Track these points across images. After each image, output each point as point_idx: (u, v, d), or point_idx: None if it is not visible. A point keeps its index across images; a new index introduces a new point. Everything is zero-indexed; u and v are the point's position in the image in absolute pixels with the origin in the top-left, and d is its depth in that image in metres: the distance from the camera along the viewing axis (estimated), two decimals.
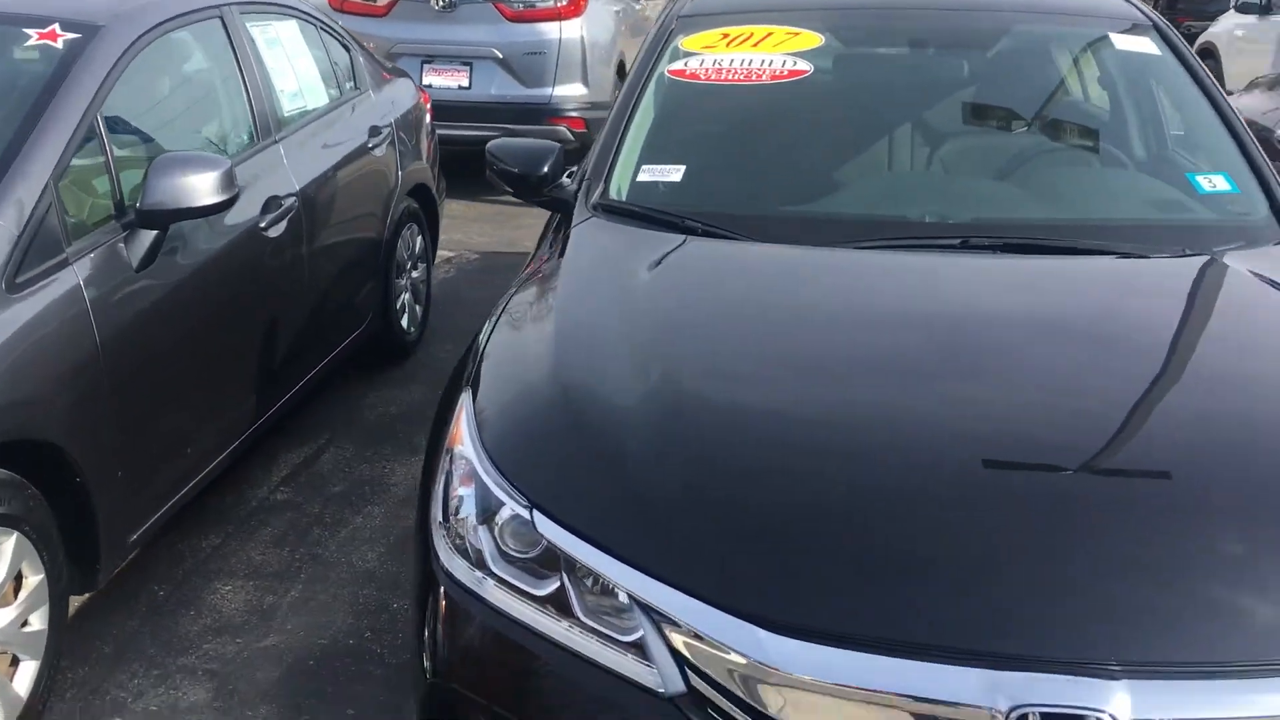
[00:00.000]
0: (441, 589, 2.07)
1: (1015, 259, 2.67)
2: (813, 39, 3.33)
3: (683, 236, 2.81)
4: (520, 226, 7.95)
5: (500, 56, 8.28)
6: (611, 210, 3.00)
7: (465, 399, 2.30)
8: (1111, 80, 3.37)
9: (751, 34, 3.37)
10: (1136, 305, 2.56)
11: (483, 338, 2.57)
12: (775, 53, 3.30)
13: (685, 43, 3.42)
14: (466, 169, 7.90)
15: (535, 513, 1.99)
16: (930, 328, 2.40)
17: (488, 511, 2.07)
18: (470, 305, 6.16)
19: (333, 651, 3.23)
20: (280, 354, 4.02)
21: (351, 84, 4.99)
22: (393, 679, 3.10)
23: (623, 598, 1.90)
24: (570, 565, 1.95)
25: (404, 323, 5.29)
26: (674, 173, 3.07)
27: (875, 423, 2.13)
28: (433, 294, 5.83)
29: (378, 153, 4.88)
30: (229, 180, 3.23)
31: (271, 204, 3.87)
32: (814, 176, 3.07)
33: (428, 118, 5.73)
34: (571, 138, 8.53)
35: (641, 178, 3.09)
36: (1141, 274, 2.68)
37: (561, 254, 2.84)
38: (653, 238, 2.83)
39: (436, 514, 2.17)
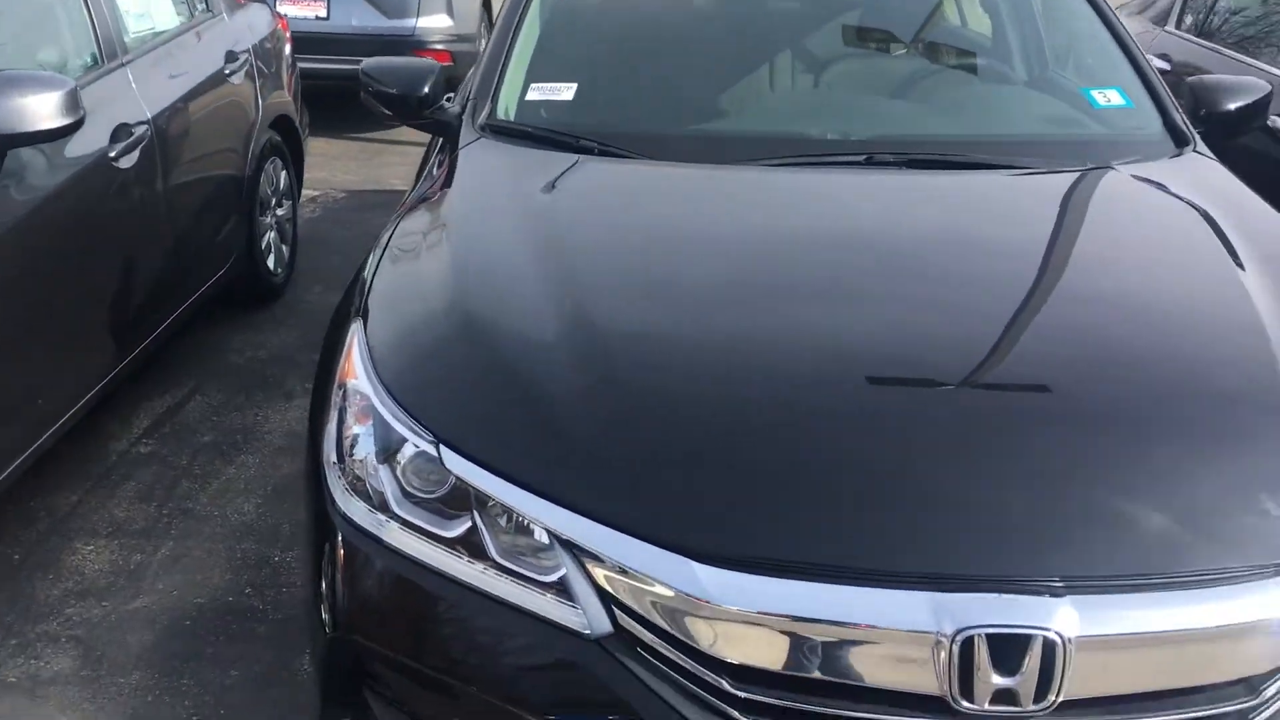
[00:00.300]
0: (339, 535, 1.90)
1: (919, 175, 2.59)
2: None
3: (578, 156, 2.65)
4: (387, 164, 7.65)
5: None
6: (500, 131, 2.82)
7: (356, 330, 2.12)
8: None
9: None
10: (1036, 219, 2.51)
11: (370, 267, 2.38)
12: None
13: None
14: (326, 104, 7.56)
15: (442, 448, 1.83)
16: (844, 247, 2.31)
17: (388, 449, 1.90)
18: (339, 246, 5.89)
19: (211, 611, 3.02)
20: (137, 297, 3.73)
21: (203, 6, 4.64)
22: (279, 636, 2.91)
23: (541, 535, 1.76)
24: (482, 503, 1.80)
25: (270, 263, 5.01)
26: (565, 91, 2.90)
27: (794, 344, 2.01)
28: (299, 235, 5.54)
29: (235, 80, 4.56)
30: (73, 102, 2.94)
31: (121, 132, 3.56)
32: (711, 93, 2.94)
33: (287, 47, 5.40)
34: None
35: (530, 96, 2.91)
36: (1042, 189, 2.63)
37: (449, 178, 2.66)
38: (547, 158, 2.66)
39: (330, 454, 1.99)
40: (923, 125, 2.86)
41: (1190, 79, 3.13)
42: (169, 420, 4.00)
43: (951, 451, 1.77)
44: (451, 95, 3.24)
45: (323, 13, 7.94)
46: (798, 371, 1.93)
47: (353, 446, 1.97)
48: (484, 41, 8.96)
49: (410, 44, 8.10)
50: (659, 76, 3.00)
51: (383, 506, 1.87)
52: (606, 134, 2.73)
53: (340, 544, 1.90)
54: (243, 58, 4.65)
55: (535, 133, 2.77)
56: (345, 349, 2.11)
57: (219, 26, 4.66)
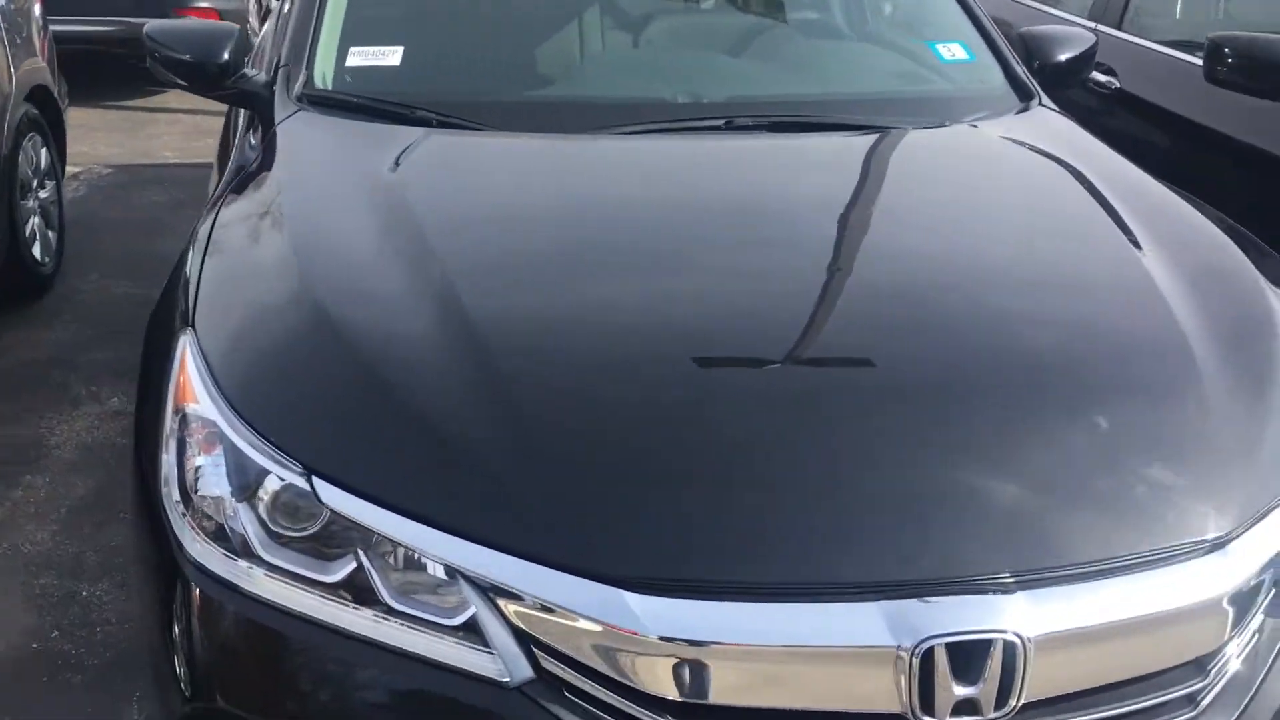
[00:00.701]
0: (194, 587, 1.62)
1: (783, 139, 2.46)
2: None
3: (417, 130, 2.40)
4: (154, 134, 7.05)
5: None
6: (320, 102, 2.52)
7: (187, 343, 1.81)
8: None
9: None
10: (911, 180, 2.42)
11: (191, 265, 2.07)
12: None
13: None
14: (81, 70, 6.89)
15: (315, 480, 1.58)
16: (729, 222, 2.14)
17: (246, 484, 1.62)
18: (112, 228, 5.37)
19: (13, 660, 2.64)
20: None
21: None
22: (101, 684, 2.57)
23: (437, 571, 1.54)
24: (367, 540, 1.56)
25: (36, 252, 4.49)
26: (390, 55, 2.62)
27: (696, 331, 1.84)
28: (65, 218, 5.00)
29: None
30: None
31: None
32: (549, 56, 2.71)
33: (37, 7, 4.83)
34: None
35: (351, 62, 2.62)
36: (909, 148, 2.54)
37: (269, 158, 2.35)
38: (381, 132, 2.39)
39: (170, 492, 1.70)
40: (777, 85, 2.73)
41: (1021, 30, 3.10)
42: None
43: (873, 444, 1.64)
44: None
45: None
46: (706, 362, 1.76)
47: (198, 481, 1.68)
48: (252, 1, 8.39)
49: (170, 1, 7.48)
50: (492, 36, 2.76)
51: (245, 551, 1.61)
52: (445, 104, 2.47)
53: (196, 597, 1.62)
54: None
55: (362, 103, 2.49)
56: (176, 367, 1.80)
57: None
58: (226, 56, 2.65)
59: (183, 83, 2.75)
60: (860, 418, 1.68)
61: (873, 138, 2.51)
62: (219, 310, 1.88)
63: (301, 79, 2.57)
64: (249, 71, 2.72)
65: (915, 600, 1.49)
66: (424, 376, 1.68)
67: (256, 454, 1.62)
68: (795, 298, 1.90)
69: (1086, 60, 3.04)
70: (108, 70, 7.74)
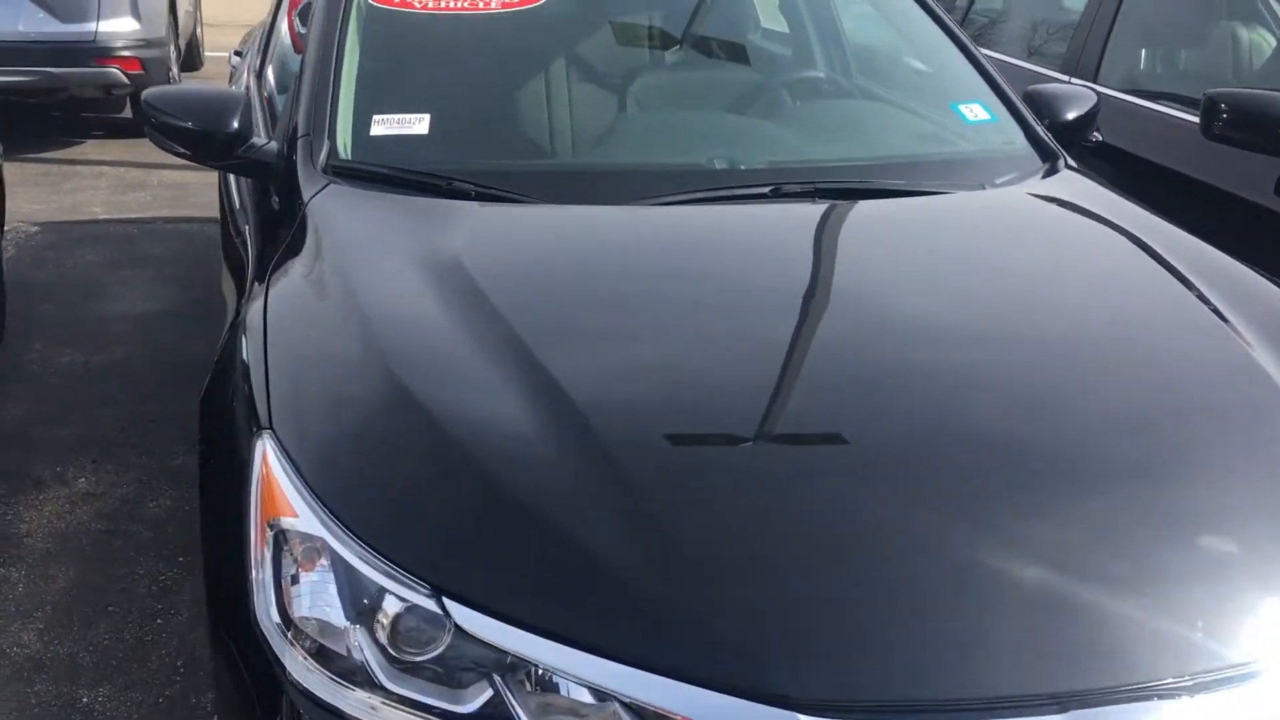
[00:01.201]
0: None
1: (834, 206, 2.40)
2: None
3: (458, 202, 2.29)
4: (80, 188, 6.76)
5: None
6: (348, 174, 2.39)
7: (267, 447, 1.67)
8: (856, 8, 3.19)
9: None
10: (968, 247, 2.38)
11: (249, 356, 1.92)
12: None
13: None
14: None
15: (447, 600, 1.46)
16: (822, 301, 2.06)
17: (362, 606, 1.50)
18: (48, 291, 5.11)
19: None
20: None
21: None
22: None
23: (583, 695, 1.43)
24: (503, 664, 1.44)
25: None
26: (416, 123, 2.51)
27: (805, 419, 1.76)
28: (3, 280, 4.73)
29: None
30: None
31: None
32: (583, 121, 2.63)
33: None
34: (127, 81, 7.37)
35: (376, 131, 2.50)
36: (960, 212, 2.49)
37: (312, 236, 2.21)
38: (423, 206, 2.28)
39: (267, 612, 1.56)
40: (811, 150, 2.68)
41: (1028, 89, 3.11)
42: None
43: (1028, 545, 1.57)
44: None
45: None
46: (834, 455, 1.69)
47: (301, 601, 1.55)
48: (172, 48, 8.13)
49: (91, 51, 7.21)
50: (519, 103, 2.66)
51: (364, 679, 1.48)
52: (481, 174, 2.37)
53: None
54: None
55: (394, 175, 2.37)
56: (256, 474, 1.66)
57: None
58: (236, 125, 2.51)
59: (185, 152, 2.60)
60: (1011, 515, 1.62)
61: (924, 203, 2.46)
62: (300, 410, 1.74)
63: (325, 149, 2.44)
64: (258, 141, 2.58)
65: (1096, 709, 1.42)
66: (547, 478, 1.58)
67: (374, 572, 1.49)
68: (907, 379, 1.84)
69: (1091, 118, 3.06)
70: (22, 121, 7.42)
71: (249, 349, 1.95)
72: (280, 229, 2.34)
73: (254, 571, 1.59)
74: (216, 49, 10.65)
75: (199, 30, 10.24)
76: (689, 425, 1.73)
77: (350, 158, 2.45)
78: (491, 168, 2.42)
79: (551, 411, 1.68)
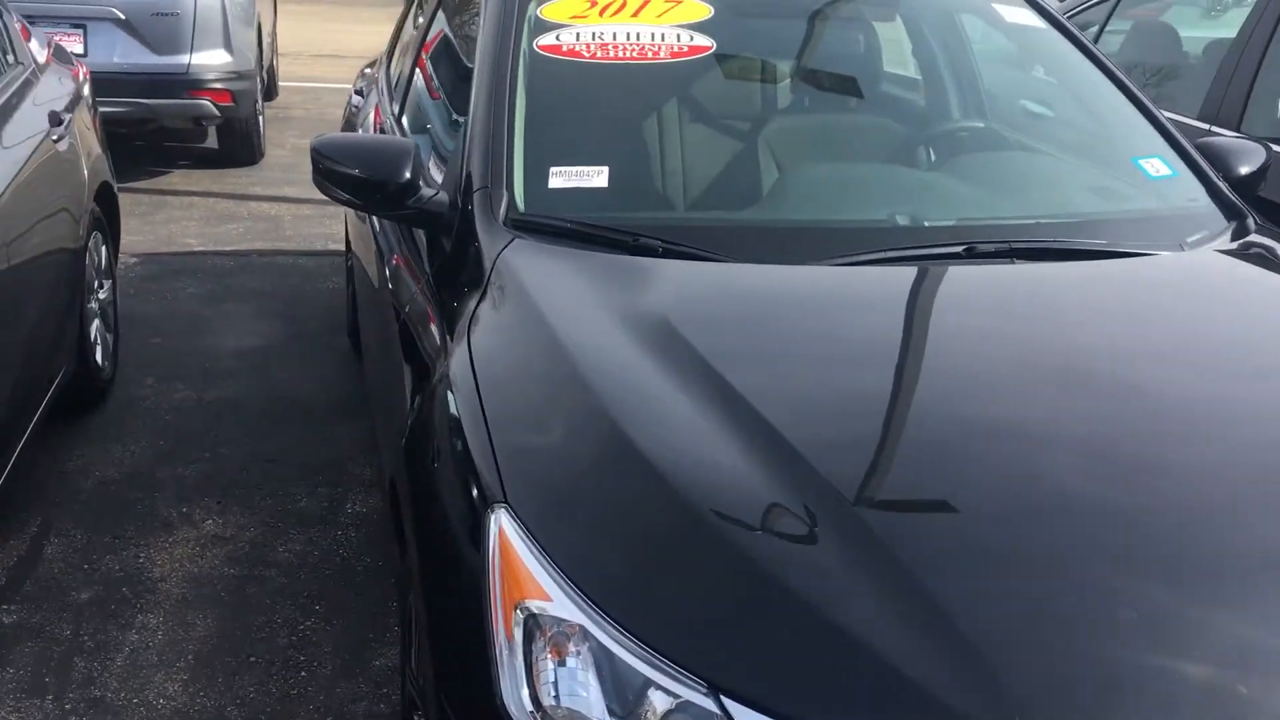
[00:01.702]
0: None
1: (1032, 267, 2.32)
2: (699, 9, 2.81)
3: (652, 260, 2.23)
4: (172, 219, 6.79)
5: (122, 17, 7.02)
6: (532, 228, 2.34)
7: (505, 523, 1.61)
8: (1016, 55, 3.12)
9: (625, 1, 2.79)
10: (1197, 315, 2.29)
11: (459, 415, 1.86)
12: (664, 24, 2.75)
13: (546, 11, 2.79)
14: None
15: (726, 699, 1.38)
16: (1050, 372, 1.98)
17: (627, 699, 1.43)
18: (155, 324, 5.10)
19: None
20: None
21: (11, 55, 3.84)
22: None
23: None
24: None
25: (99, 357, 4.22)
26: (595, 176, 2.46)
27: (1093, 513, 1.65)
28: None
29: (62, 148, 3.79)
30: None
31: None
32: (759, 174, 2.57)
33: (87, 86, 4.61)
34: (217, 113, 7.43)
35: (555, 184, 2.45)
36: (1178, 276, 2.40)
37: (507, 293, 2.16)
38: (617, 264, 2.23)
39: (520, 701, 1.49)
40: (1002, 206, 2.59)
41: (1198, 141, 3.02)
42: (28, 575, 3.22)
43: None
44: None
45: (78, 48, 6.95)
46: (1122, 540, 1.59)
47: (554, 690, 1.48)
48: (258, 80, 8.18)
49: (184, 83, 7.27)
50: (697, 155, 2.61)
51: None
52: (666, 230, 2.31)
53: None
54: (66, 119, 3.88)
55: (581, 230, 2.32)
56: (494, 551, 1.60)
57: (31, 79, 3.87)
58: (408, 175, 2.47)
59: (355, 201, 2.56)
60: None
61: (1133, 265, 2.37)
62: (536, 483, 1.68)
63: (504, 203, 2.39)
64: (426, 191, 2.53)
65: None
66: (810, 558, 1.51)
67: (640, 664, 1.42)
68: (1176, 458, 1.76)
69: (1263, 173, 2.97)
70: (113, 151, 7.48)
71: (460, 407, 1.89)
72: (464, 282, 2.29)
73: (500, 656, 1.53)
74: (287, 79, 10.76)
75: (275, 60, 10.32)
76: (948, 501, 1.66)
77: (528, 210, 2.40)
78: (676, 223, 2.37)
79: (800, 486, 1.61)
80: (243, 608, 3.12)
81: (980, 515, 1.63)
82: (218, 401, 4.38)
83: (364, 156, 2.52)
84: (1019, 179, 2.73)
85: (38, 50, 4.09)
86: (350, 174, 2.50)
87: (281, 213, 7.07)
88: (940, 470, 1.70)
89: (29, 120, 3.59)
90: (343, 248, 6.23)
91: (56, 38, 6.98)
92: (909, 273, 2.24)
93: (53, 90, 3.94)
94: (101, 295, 4.34)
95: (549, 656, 1.49)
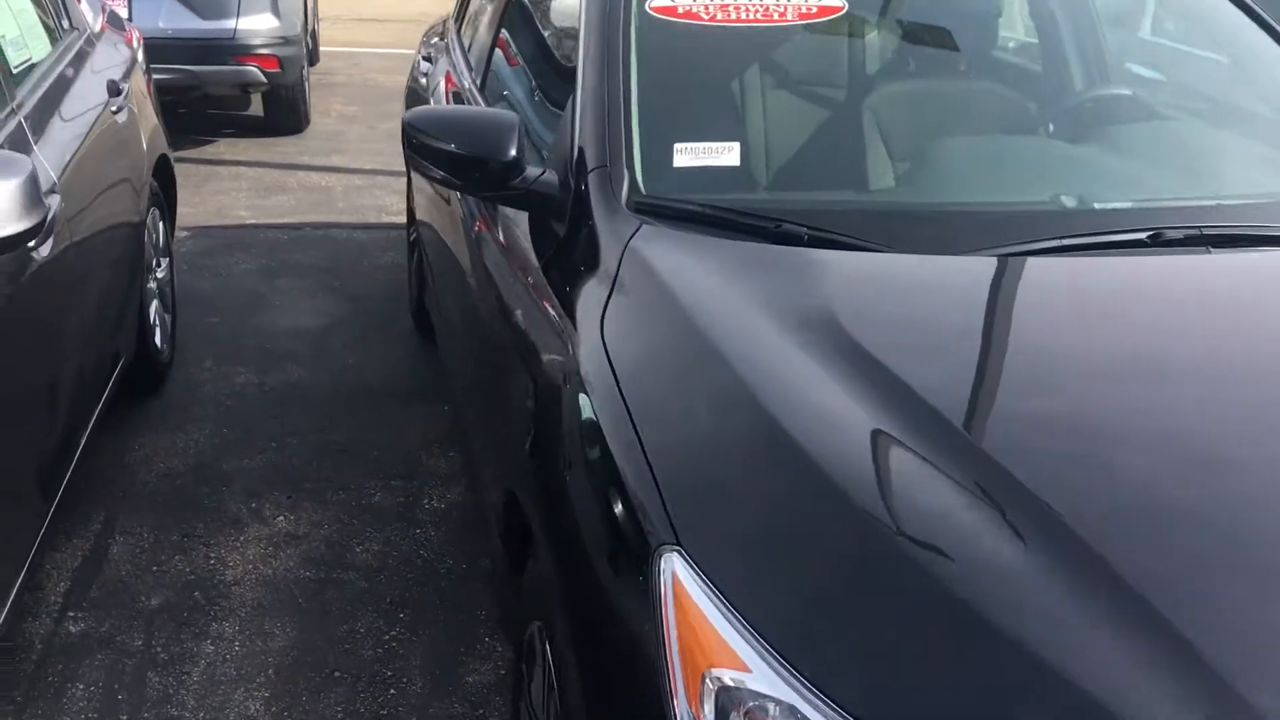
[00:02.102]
0: None
1: (1229, 256, 2.05)
2: None
3: (801, 250, 1.98)
4: (221, 190, 6.57)
5: None
6: (662, 213, 2.09)
7: (678, 570, 1.38)
8: (1172, 16, 2.83)
9: None
10: None
11: (598, 418, 1.64)
12: None
13: None
14: None
15: None
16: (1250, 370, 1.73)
17: None
18: (209, 303, 4.89)
19: None
20: (58, 416, 2.77)
21: (66, 20, 3.61)
22: None
23: None
24: None
25: (157, 340, 4.02)
26: (725, 153, 2.21)
27: None
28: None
29: (121, 119, 3.57)
30: (33, 192, 2.01)
31: None
32: (906, 149, 2.31)
33: (141, 52, 4.38)
34: (264, 80, 7.20)
35: (680, 162, 2.20)
36: None
37: (643, 286, 1.92)
38: (763, 254, 1.98)
39: None
40: (1187, 186, 2.30)
41: None
42: (94, 578, 3.03)
43: None
44: None
45: (123, 12, 6.73)
46: None
47: None
48: (304, 45, 7.94)
49: (230, 49, 7.04)
50: (834, 130, 2.35)
51: None
52: (808, 215, 2.06)
53: None
54: (124, 89, 3.65)
55: (714, 215, 2.07)
56: (667, 604, 1.36)
57: (88, 47, 3.64)
58: (513, 153, 2.23)
59: (453, 180, 2.33)
60: None
61: None
62: (715, 521, 1.44)
63: (626, 184, 2.15)
64: (532, 171, 2.29)
65: None
66: (1045, 606, 1.26)
67: None
68: None
69: None
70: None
71: (601, 412, 1.66)
72: (586, 273, 2.05)
73: None
74: (328, 44, 10.52)
75: (317, 25, 10.08)
76: (1178, 525, 1.41)
77: (652, 192, 2.15)
78: (821, 206, 2.12)
79: (1016, 511, 1.36)
80: (323, 616, 2.92)
81: (1225, 542, 1.38)
82: (281, 386, 4.17)
83: (463, 131, 2.28)
84: (1200, 154, 2.43)
85: (90, 15, 3.86)
86: (447, 150, 2.26)
87: (332, 183, 6.85)
88: (1166, 492, 1.46)
89: (88, 91, 3.36)
90: (398, 221, 6.02)
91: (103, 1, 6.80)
92: (1090, 265, 1.98)
93: (109, 58, 3.72)
94: (159, 274, 4.13)
95: None
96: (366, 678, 2.70)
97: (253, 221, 6.06)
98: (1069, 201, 2.20)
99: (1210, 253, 2.03)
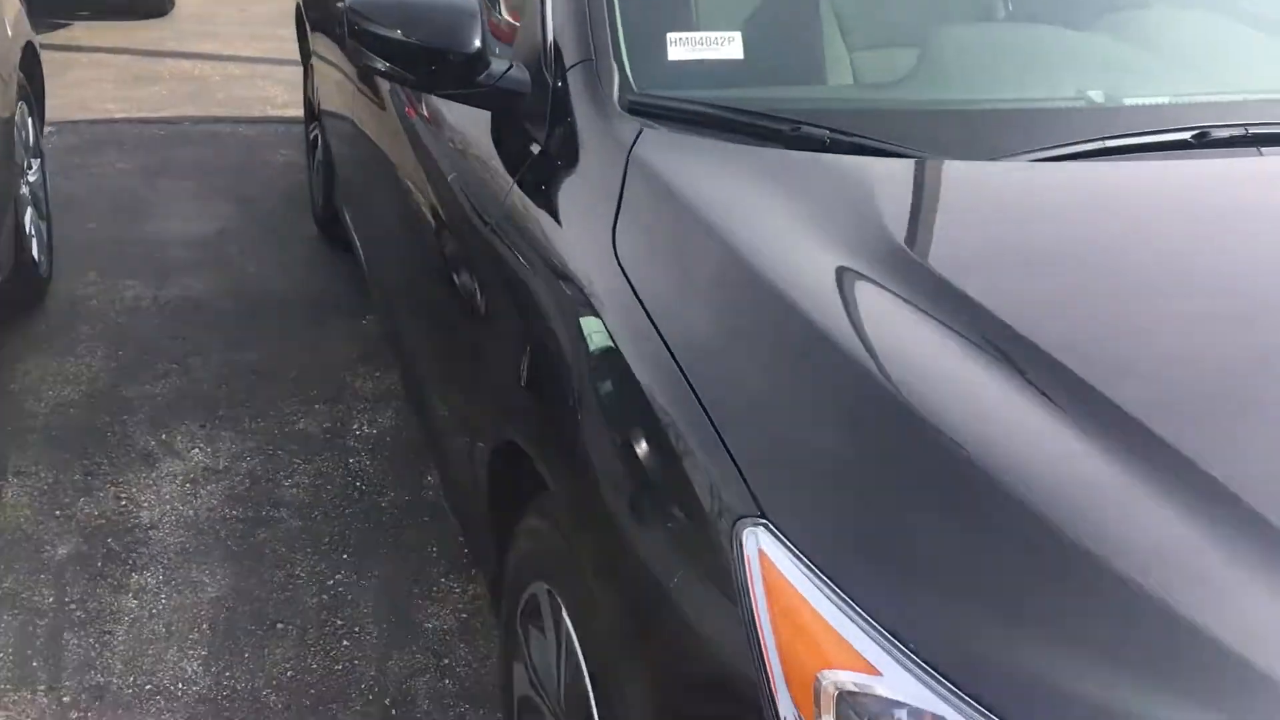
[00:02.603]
0: None
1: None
2: None
3: (829, 157, 1.75)
4: (84, 82, 6.01)
5: None
6: (663, 115, 1.83)
7: (766, 548, 1.16)
8: None
9: None
10: None
11: (624, 350, 1.41)
12: None
13: None
14: None
15: None
16: None
17: None
18: (86, 208, 4.46)
19: None
20: None
21: None
22: None
23: None
24: None
25: (34, 251, 3.61)
26: (726, 44, 1.94)
27: None
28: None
29: None
30: None
31: None
32: (930, 41, 2.06)
33: None
34: None
35: (676, 55, 1.93)
36: None
37: (658, 200, 1.67)
38: (786, 161, 1.74)
39: None
40: (1230, 79, 2.09)
41: None
42: None
43: None
44: None
45: None
46: None
47: None
48: None
49: None
50: (850, 10, 2.08)
51: None
52: (821, 114, 1.81)
53: None
54: None
55: (722, 118, 1.81)
56: (758, 593, 1.15)
57: None
58: (477, 44, 1.94)
59: (406, 75, 2.02)
60: None
61: None
62: (805, 484, 1.22)
63: (616, 81, 1.88)
64: (498, 64, 2.00)
65: None
66: (1208, 578, 1.09)
67: None
68: None
69: None
70: None
71: (626, 344, 1.43)
72: (580, 184, 1.78)
73: None
74: None
75: None
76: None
77: (645, 90, 1.88)
78: (844, 106, 1.89)
79: (1153, 467, 1.18)
80: (256, 560, 2.65)
81: None
82: (176, 300, 3.81)
83: (418, 17, 1.97)
84: (1241, 42, 2.23)
85: None
86: (398, 40, 1.96)
87: (207, 72, 6.33)
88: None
89: None
90: (288, 115, 5.58)
91: None
92: (1129, 170, 1.79)
93: None
94: (31, 178, 3.70)
95: None
96: (314, 628, 2.46)
97: (123, 116, 5.56)
98: (1097, 97, 2.00)
99: (1262, 154, 1.87)
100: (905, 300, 1.44)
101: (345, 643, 2.43)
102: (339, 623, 2.48)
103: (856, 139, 1.79)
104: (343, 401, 3.27)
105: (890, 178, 1.72)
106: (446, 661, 2.39)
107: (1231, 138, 1.87)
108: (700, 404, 1.32)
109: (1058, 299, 1.49)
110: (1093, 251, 1.63)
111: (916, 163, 1.76)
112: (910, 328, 1.39)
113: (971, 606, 1.10)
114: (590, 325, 1.56)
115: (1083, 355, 1.33)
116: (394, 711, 2.26)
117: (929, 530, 1.16)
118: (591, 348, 1.56)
